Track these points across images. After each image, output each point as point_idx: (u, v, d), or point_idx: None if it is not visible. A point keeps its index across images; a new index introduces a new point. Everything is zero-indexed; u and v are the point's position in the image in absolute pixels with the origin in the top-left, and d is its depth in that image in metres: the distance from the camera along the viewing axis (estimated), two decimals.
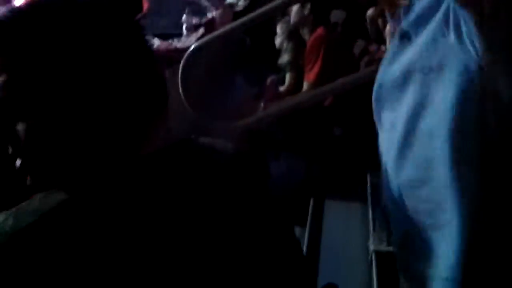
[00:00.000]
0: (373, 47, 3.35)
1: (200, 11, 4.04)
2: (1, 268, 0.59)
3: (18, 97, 0.66)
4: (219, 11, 3.80)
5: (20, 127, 0.67)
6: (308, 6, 3.11)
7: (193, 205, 0.71)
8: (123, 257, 0.62)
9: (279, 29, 3.41)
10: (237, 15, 3.59)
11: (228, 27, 2.52)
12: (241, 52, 5.05)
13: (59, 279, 0.59)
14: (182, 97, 2.43)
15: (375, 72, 2.22)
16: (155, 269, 0.64)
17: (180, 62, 2.43)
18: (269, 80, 3.57)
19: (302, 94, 2.88)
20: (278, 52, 3.45)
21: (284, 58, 3.35)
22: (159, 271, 0.64)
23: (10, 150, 0.71)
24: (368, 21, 3.55)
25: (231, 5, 5.11)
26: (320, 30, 3.01)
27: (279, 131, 2.99)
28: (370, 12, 3.51)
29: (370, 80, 2.35)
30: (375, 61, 2.84)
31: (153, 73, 0.73)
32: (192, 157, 0.76)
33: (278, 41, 3.40)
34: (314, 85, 2.84)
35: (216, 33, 2.61)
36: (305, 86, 2.97)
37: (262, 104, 2.83)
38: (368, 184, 2.67)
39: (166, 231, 0.67)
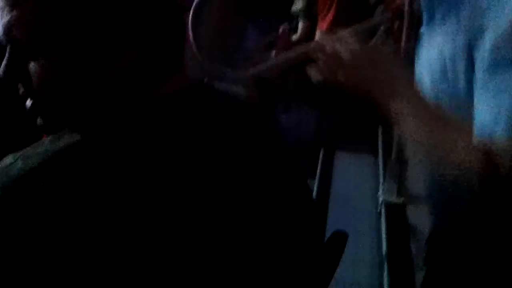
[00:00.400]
0: None
1: None
2: (9, 210, 0.58)
3: (31, 34, 0.64)
4: None
5: (32, 66, 0.65)
6: None
7: (208, 149, 0.70)
8: (133, 202, 0.61)
9: None
10: None
11: None
12: (253, 0, 4.96)
13: (66, 223, 0.58)
14: (193, 44, 2.39)
15: (389, 19, 2.17)
16: (172, 210, 0.63)
17: (190, 9, 2.39)
18: (281, 28, 3.51)
19: (314, 43, 2.82)
20: (290, 1, 3.37)
21: (297, 6, 3.28)
22: (175, 212, 0.63)
23: (21, 90, 0.69)
24: None
25: None
26: None
27: (290, 82, 2.95)
28: None
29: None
30: (390, 10, 2.76)
31: (172, 13, 0.71)
32: (206, 99, 0.75)
33: None
34: (327, 34, 2.78)
35: None
36: (318, 35, 2.92)
37: (273, 53, 2.79)
38: (380, 135, 2.65)
39: (179, 174, 0.66)
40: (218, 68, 2.29)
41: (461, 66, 0.87)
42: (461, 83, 0.88)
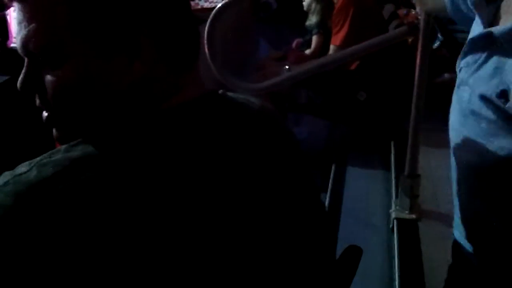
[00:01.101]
0: (402, 11, 3.26)
1: None
2: (23, 217, 0.58)
3: (47, 46, 0.64)
4: None
5: (48, 78, 0.66)
6: None
7: (224, 156, 0.70)
8: (147, 211, 0.61)
9: None
10: None
11: None
12: (267, 14, 4.99)
13: (80, 230, 0.58)
14: (208, 56, 2.40)
15: (402, 34, 2.17)
16: (186, 222, 0.63)
17: (206, 22, 2.40)
18: (294, 42, 3.52)
19: (327, 57, 2.82)
20: (304, 15, 3.38)
21: (312, 20, 3.29)
22: (190, 223, 0.63)
23: (38, 102, 0.70)
24: None
25: None
26: None
27: (303, 95, 2.95)
28: None
29: (396, 43, 2.30)
30: (404, 25, 2.77)
31: (187, 22, 0.71)
32: (221, 107, 0.75)
33: (306, 2, 3.33)
34: (340, 48, 2.78)
35: None
36: (331, 50, 2.91)
37: (286, 67, 2.79)
38: (392, 151, 2.63)
39: (196, 184, 0.65)
40: (232, 79, 2.30)
41: None
42: None
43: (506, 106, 0.86)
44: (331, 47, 2.91)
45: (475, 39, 0.94)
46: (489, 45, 0.91)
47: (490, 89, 0.89)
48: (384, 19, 3.14)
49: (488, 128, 0.90)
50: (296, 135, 0.89)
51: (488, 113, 0.90)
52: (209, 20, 2.35)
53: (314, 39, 3.24)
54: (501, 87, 0.87)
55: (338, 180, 2.52)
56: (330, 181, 2.51)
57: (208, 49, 2.34)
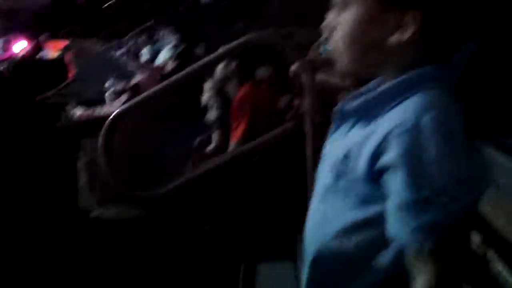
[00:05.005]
0: (296, 102, 3.37)
1: (126, 76, 4.02)
2: None
3: None
4: (144, 75, 3.79)
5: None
6: (235, 62, 3.12)
7: None
8: None
9: (206, 86, 3.40)
10: (166, 77, 3.58)
11: (151, 90, 2.49)
12: (170, 113, 5.04)
13: None
14: (103, 168, 2.38)
15: (297, 126, 2.25)
16: None
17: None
18: (196, 141, 3.56)
19: (227, 154, 2.85)
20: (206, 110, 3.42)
21: (211, 115, 3.33)
22: None
23: None
24: (292, 76, 3.58)
25: (160, 68, 5.08)
26: (246, 87, 3.01)
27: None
28: (293, 67, 3.54)
29: (292, 134, 2.37)
30: (299, 116, 2.87)
31: None
32: None
33: (205, 97, 3.38)
34: (239, 144, 2.82)
35: (139, 97, 2.57)
36: (231, 146, 2.94)
37: (190, 166, 2.81)
38: (298, 243, 2.64)
39: None
40: (130, 190, 2.28)
41: None
42: None
43: (349, 166, 0.98)
44: (230, 144, 2.95)
45: (333, 113, 1.10)
46: (342, 119, 1.08)
47: (339, 154, 1.02)
48: (280, 111, 3.24)
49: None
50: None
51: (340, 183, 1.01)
52: (101, 133, 2.34)
53: (215, 135, 3.27)
54: (344, 150, 1.00)
55: (249, 279, 2.49)
56: (240, 280, 2.47)
57: (104, 163, 2.32)
